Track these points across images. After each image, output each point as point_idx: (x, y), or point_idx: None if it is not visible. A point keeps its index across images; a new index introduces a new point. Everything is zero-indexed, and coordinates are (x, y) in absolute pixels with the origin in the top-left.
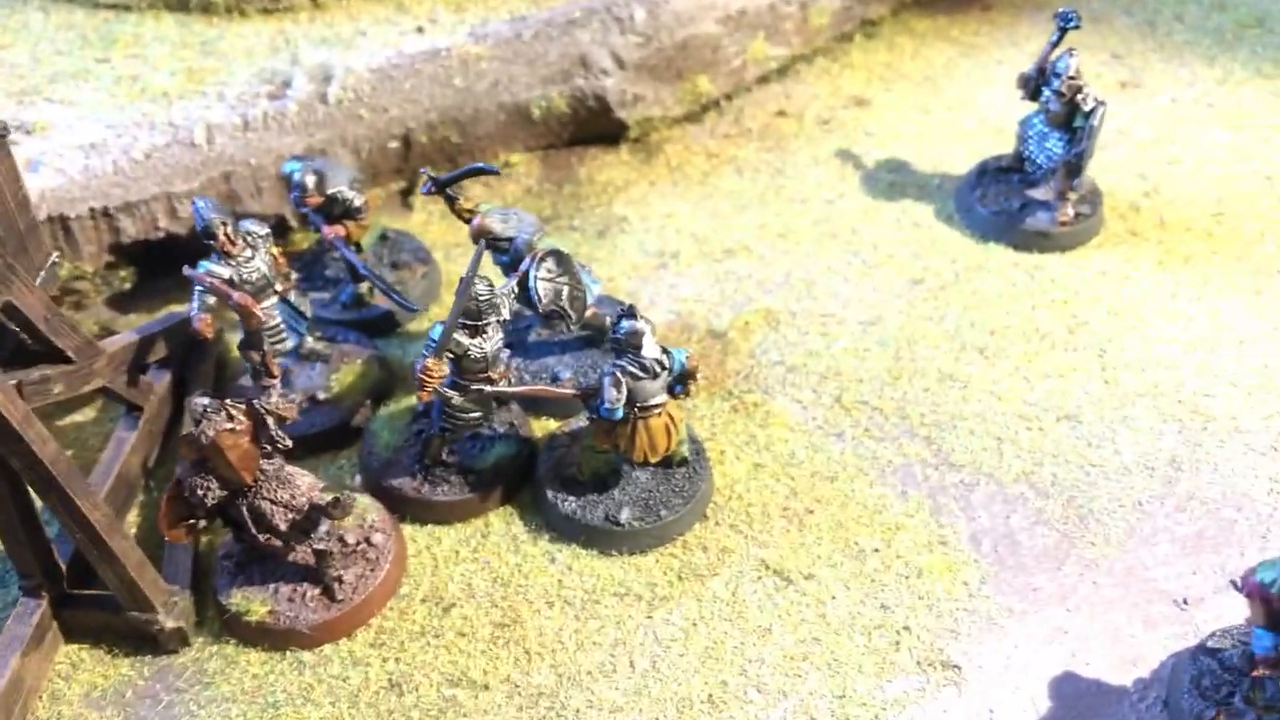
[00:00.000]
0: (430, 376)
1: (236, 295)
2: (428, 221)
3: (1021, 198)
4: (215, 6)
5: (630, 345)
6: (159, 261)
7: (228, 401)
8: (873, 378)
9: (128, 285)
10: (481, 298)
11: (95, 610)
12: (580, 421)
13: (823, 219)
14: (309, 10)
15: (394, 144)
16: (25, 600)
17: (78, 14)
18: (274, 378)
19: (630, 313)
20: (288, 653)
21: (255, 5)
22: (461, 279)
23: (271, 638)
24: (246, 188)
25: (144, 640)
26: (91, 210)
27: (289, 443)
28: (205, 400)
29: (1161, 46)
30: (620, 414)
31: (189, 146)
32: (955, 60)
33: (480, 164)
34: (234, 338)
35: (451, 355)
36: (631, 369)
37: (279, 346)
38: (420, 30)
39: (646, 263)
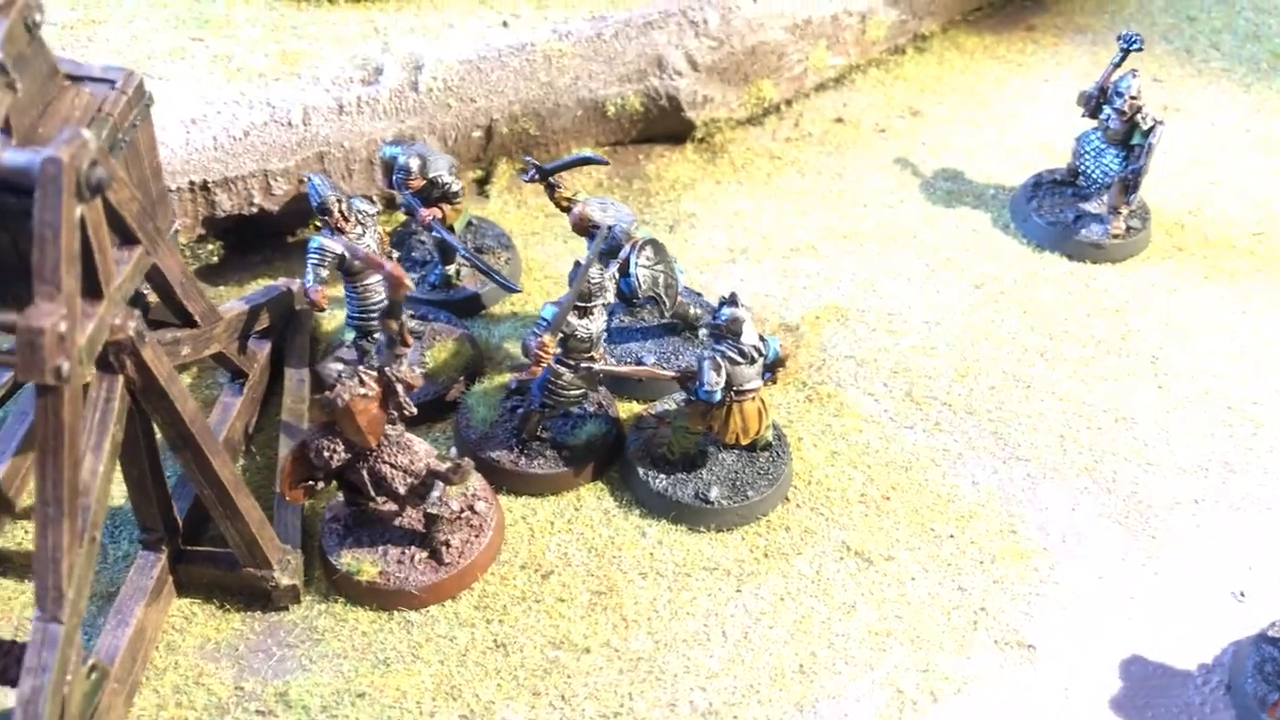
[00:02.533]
0: (545, 352)
1: (389, 265)
2: (504, 209)
3: (1075, 210)
4: None
5: (731, 331)
6: (246, 237)
7: (360, 367)
8: (940, 375)
9: (215, 259)
10: (593, 281)
11: (210, 566)
12: (664, 405)
13: (884, 222)
14: (396, 1)
15: (477, 133)
16: (144, 553)
17: None
18: (407, 347)
19: (732, 300)
20: (395, 613)
21: None
22: (578, 263)
23: (380, 597)
24: (338, 169)
25: (256, 596)
26: (190, 184)
27: (414, 410)
28: (340, 366)
29: (1199, 73)
30: (719, 397)
31: (286, 126)
32: (1003, 77)
33: (589, 154)
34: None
35: (560, 334)
36: (731, 354)
37: None
38: (505, 25)
39: (716, 257)
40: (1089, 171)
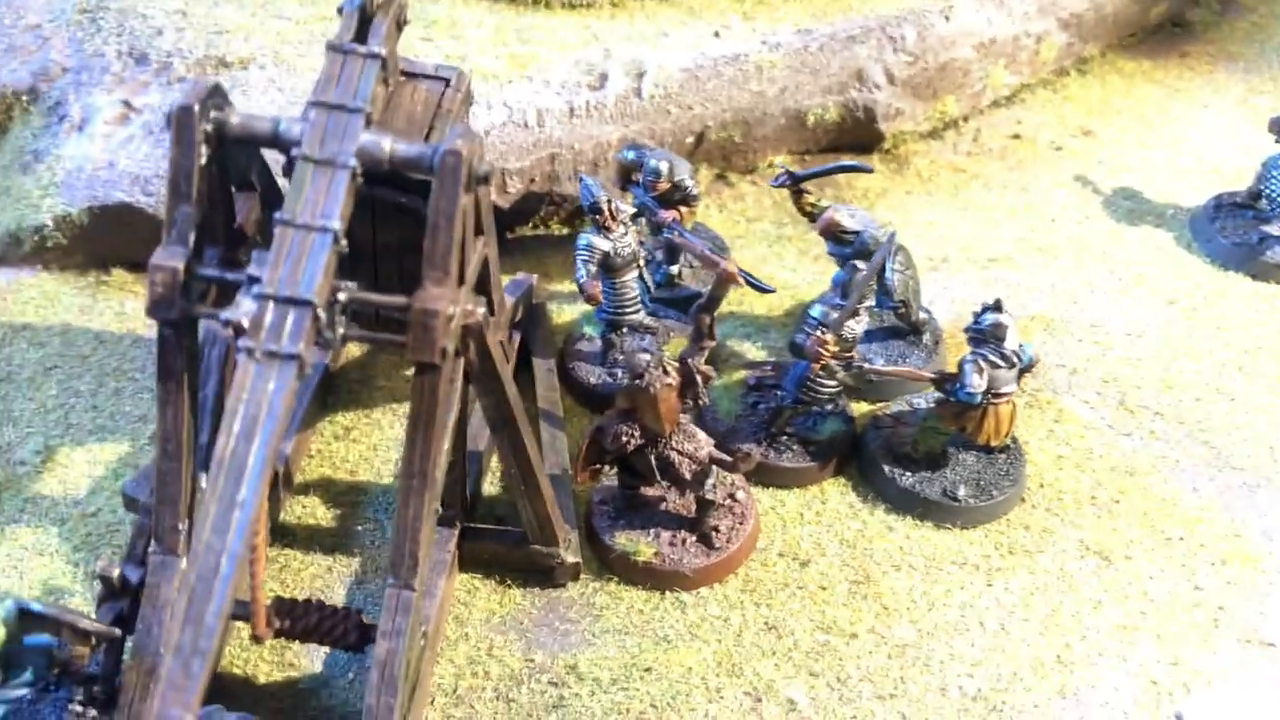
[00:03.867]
0: (827, 349)
1: (724, 262)
2: (705, 212)
3: (1259, 232)
4: None
5: (994, 336)
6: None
7: (664, 358)
8: (1148, 385)
9: None
10: (867, 285)
11: (494, 543)
12: (899, 405)
13: (1075, 237)
14: (609, 8)
15: (689, 139)
16: (440, 529)
17: None
18: (713, 340)
19: (996, 306)
20: (668, 593)
21: None
22: (860, 269)
23: (655, 578)
24: (566, 170)
25: (537, 573)
26: None
27: (709, 400)
28: (648, 356)
29: None
30: (979, 399)
31: (522, 127)
32: (1163, 102)
33: (852, 162)
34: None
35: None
36: (992, 358)
37: (633, 317)
38: (717, 35)
39: (919, 265)
40: (1274, 195)
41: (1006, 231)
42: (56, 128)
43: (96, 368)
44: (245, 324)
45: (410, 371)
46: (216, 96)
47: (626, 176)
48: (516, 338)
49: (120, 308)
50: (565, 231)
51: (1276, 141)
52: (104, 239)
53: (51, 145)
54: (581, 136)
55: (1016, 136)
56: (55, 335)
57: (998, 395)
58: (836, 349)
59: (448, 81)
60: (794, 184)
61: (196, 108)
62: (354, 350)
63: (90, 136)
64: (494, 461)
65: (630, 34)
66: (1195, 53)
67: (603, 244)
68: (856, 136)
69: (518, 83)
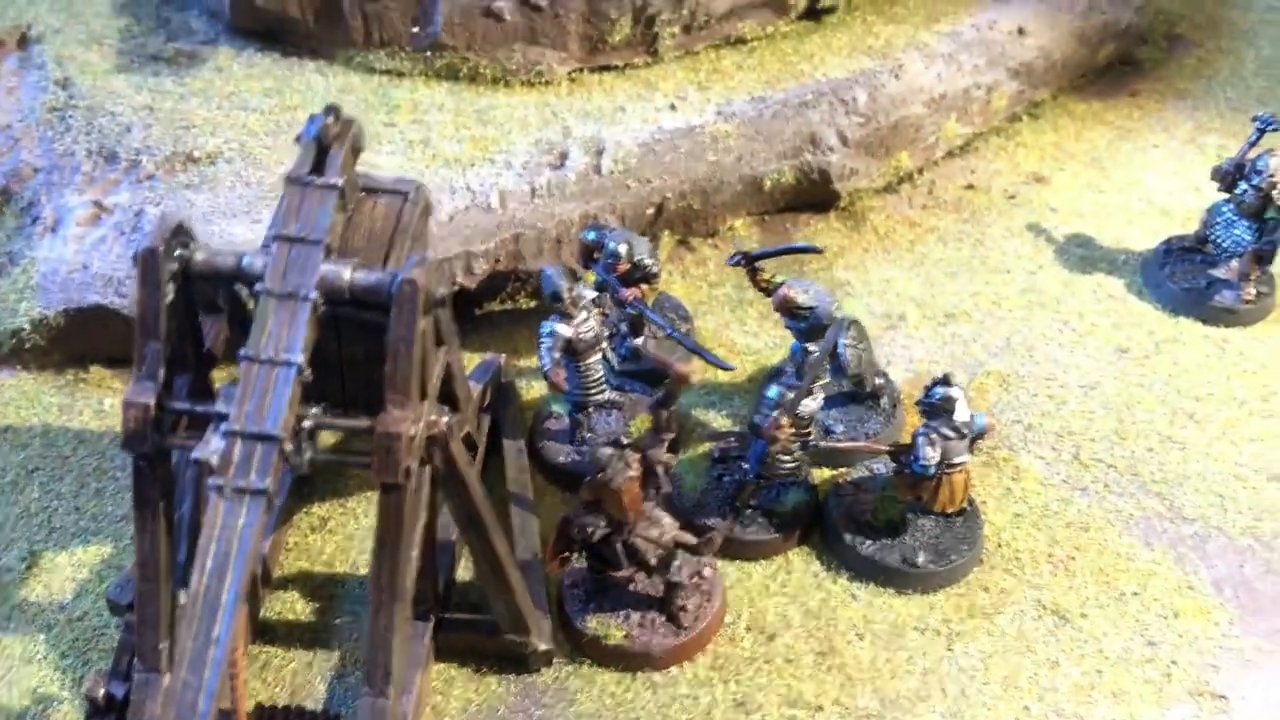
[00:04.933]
0: (781, 432)
1: (677, 364)
2: (669, 280)
3: (1207, 276)
4: (482, 76)
5: (944, 409)
6: None
7: (626, 452)
8: (1102, 437)
9: None
10: (820, 367)
11: (470, 632)
12: (859, 472)
13: (1028, 289)
14: (566, 84)
15: (649, 210)
16: (415, 623)
17: (354, 78)
18: (672, 432)
19: (945, 380)
20: (639, 674)
21: (519, 78)
22: (812, 352)
23: (626, 659)
24: (530, 249)
25: (511, 660)
26: None
27: (670, 488)
28: (610, 450)
29: None
30: (933, 471)
31: (485, 210)
32: (1115, 143)
33: (802, 244)
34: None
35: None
36: (944, 430)
37: (598, 398)
38: (673, 107)
39: (875, 324)
40: (1220, 241)
41: (962, 285)
42: (30, 230)
43: (78, 468)
44: (214, 462)
45: None
46: (181, 235)
47: (589, 255)
48: (486, 420)
49: (99, 405)
50: (533, 304)
51: (1219, 190)
52: (80, 339)
53: (25, 248)
54: (544, 215)
55: (970, 187)
56: (36, 436)
57: (951, 465)
58: (793, 429)
59: (406, 195)
60: (748, 264)
61: (161, 249)
62: (328, 439)
63: (64, 238)
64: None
65: (589, 109)
66: (1144, 90)
67: (565, 331)
68: (813, 197)
69: (480, 165)
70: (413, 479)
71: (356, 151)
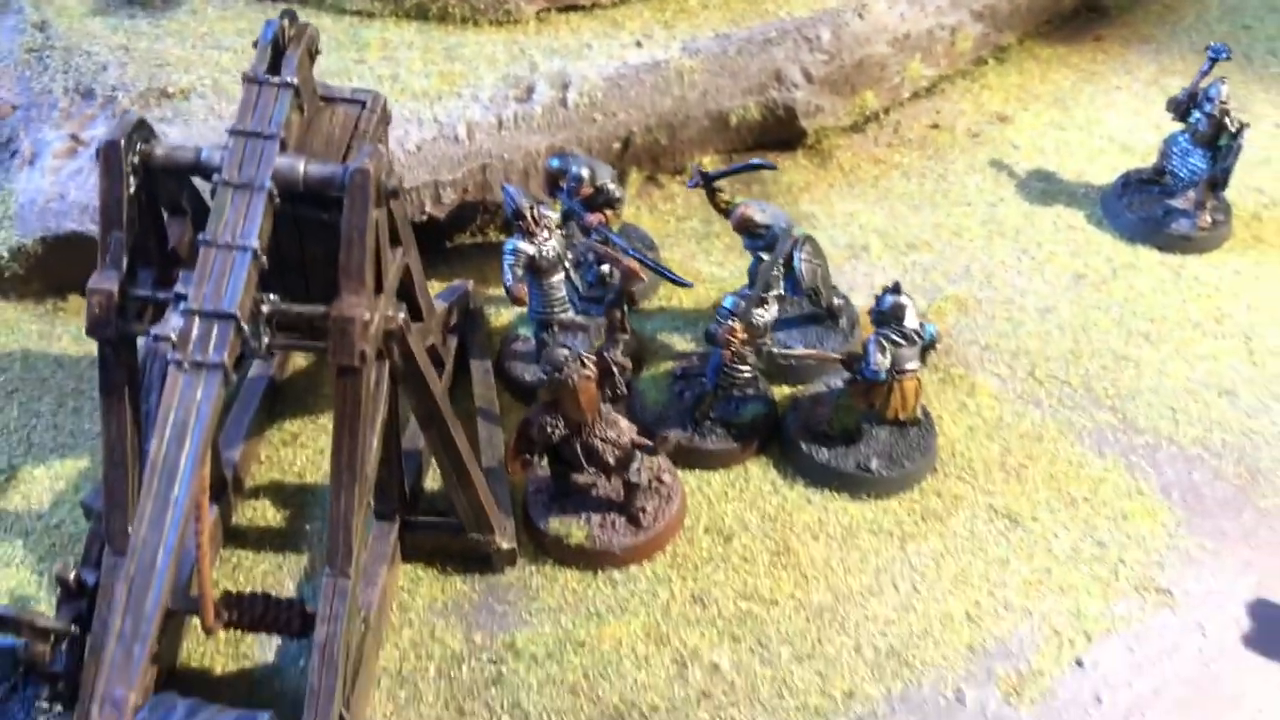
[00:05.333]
0: (735, 337)
1: (625, 260)
2: (637, 214)
3: (1164, 206)
4: (451, 15)
5: (894, 317)
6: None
7: (582, 353)
8: (1057, 356)
9: None
10: (773, 274)
11: (434, 534)
12: (816, 388)
13: (989, 220)
14: (534, 23)
15: (616, 144)
16: (379, 523)
17: (325, 19)
18: (626, 332)
19: (895, 289)
20: (600, 572)
21: (487, 17)
22: (765, 260)
23: (587, 558)
24: (497, 179)
25: (476, 560)
26: None
27: (626, 390)
28: (565, 351)
29: (1260, 78)
30: (883, 376)
31: (453, 141)
32: (1078, 85)
33: (757, 160)
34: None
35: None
36: (894, 337)
37: (562, 316)
38: (639, 44)
39: (838, 254)
40: (1177, 170)
41: (924, 218)
42: (9, 163)
43: (56, 389)
44: (174, 338)
45: None
46: (142, 130)
47: (554, 183)
48: (454, 342)
49: (77, 332)
50: (501, 238)
51: (1174, 119)
52: (58, 267)
53: (4, 180)
54: (511, 147)
55: (935, 126)
56: (15, 360)
57: (901, 371)
58: (746, 336)
59: (364, 104)
60: (707, 183)
61: (123, 142)
62: (299, 361)
63: (41, 170)
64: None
65: (555, 47)
66: (1109, 36)
67: (527, 248)
68: (779, 134)
69: (447, 98)
70: (369, 367)
71: (312, 55)
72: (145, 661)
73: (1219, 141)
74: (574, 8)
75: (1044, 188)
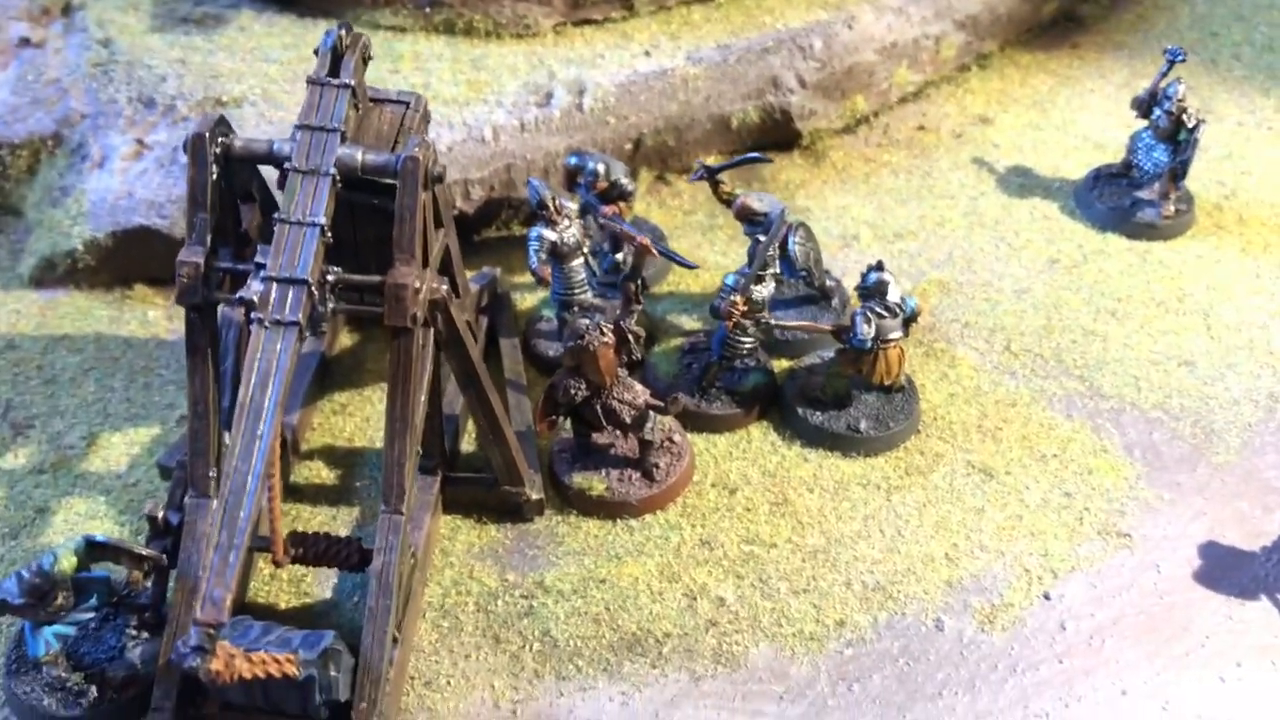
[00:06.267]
0: (736, 309)
1: (640, 236)
2: (647, 209)
3: (1131, 197)
4: (476, 30)
5: (878, 291)
6: None
7: (601, 323)
8: (1031, 332)
9: None
10: (769, 255)
11: (471, 487)
12: (811, 359)
13: (970, 212)
14: (552, 36)
15: (628, 145)
16: (424, 476)
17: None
18: (639, 304)
19: (879, 266)
20: (618, 521)
21: (509, 31)
22: (762, 242)
23: (607, 509)
24: (520, 176)
25: (508, 510)
26: None
27: (640, 356)
28: (587, 320)
29: (1224, 80)
30: (869, 345)
31: (480, 142)
32: (1055, 88)
33: (754, 154)
34: (519, 296)
35: (745, 296)
36: (878, 310)
37: (581, 297)
38: (648, 54)
39: (832, 244)
40: (1141, 164)
41: (910, 210)
42: (80, 166)
43: (127, 367)
44: (256, 300)
45: None
46: (222, 125)
47: (572, 179)
48: (484, 321)
49: (144, 317)
50: (524, 231)
51: (1136, 117)
52: (126, 259)
53: (77, 181)
54: (532, 148)
55: (921, 128)
56: (90, 342)
57: (885, 341)
58: (745, 309)
59: (408, 104)
60: (710, 176)
61: (207, 134)
62: (346, 340)
63: (110, 171)
64: (470, 425)
65: (571, 57)
66: (1085, 43)
67: (550, 235)
68: (777, 135)
69: (474, 104)
70: (418, 330)
71: (365, 60)
72: (239, 568)
73: (1178, 136)
74: (588, 21)
75: (1021, 182)
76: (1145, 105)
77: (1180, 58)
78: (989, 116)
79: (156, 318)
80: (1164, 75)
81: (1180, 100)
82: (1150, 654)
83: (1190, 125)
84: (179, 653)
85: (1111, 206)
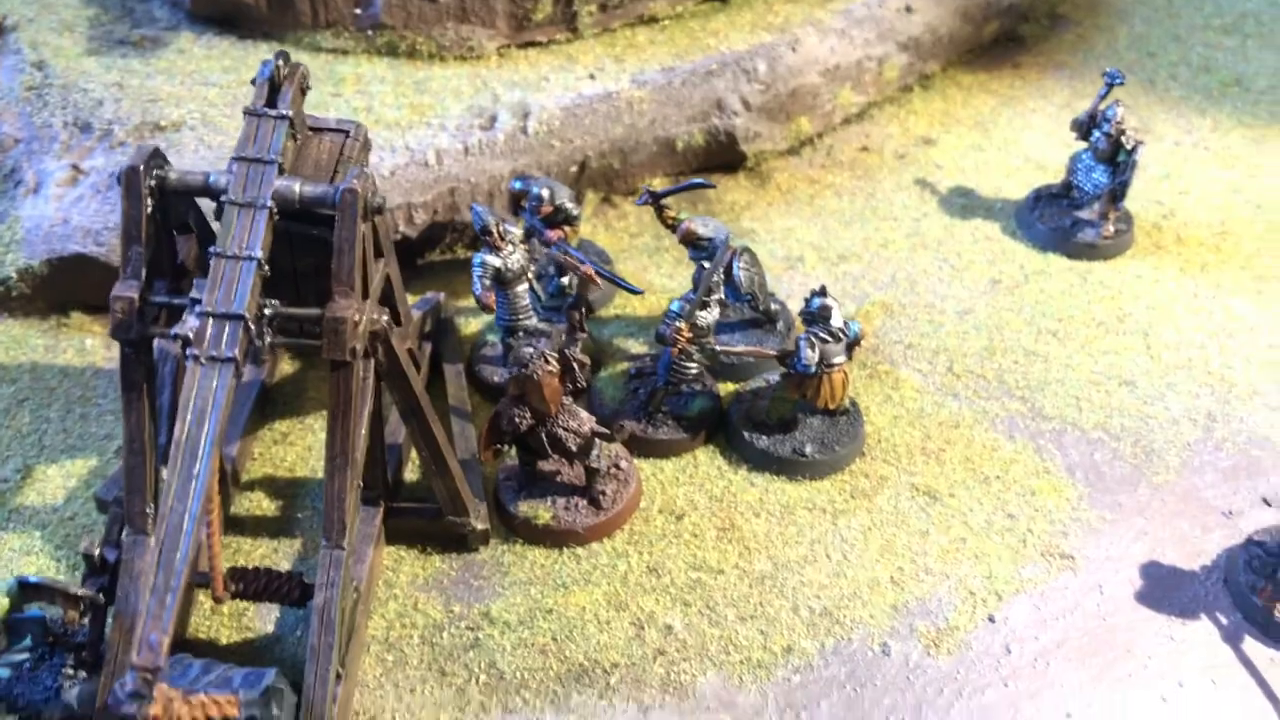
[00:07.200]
0: (681, 335)
1: (584, 266)
2: (594, 231)
3: (1071, 218)
4: (419, 52)
5: (821, 317)
6: None
7: (546, 351)
8: (974, 353)
9: None
10: (713, 280)
11: (415, 517)
12: (756, 383)
13: (913, 233)
14: (496, 59)
15: (573, 168)
16: (365, 507)
17: (303, 56)
18: (584, 332)
19: (823, 292)
20: (565, 549)
21: (452, 53)
22: (707, 268)
23: (553, 537)
24: (465, 201)
25: (453, 541)
26: None
27: (585, 384)
28: (531, 349)
29: (1162, 100)
30: (814, 369)
31: (423, 166)
32: (997, 109)
33: (698, 180)
34: (464, 320)
35: (689, 322)
36: (822, 335)
37: (525, 323)
38: (592, 77)
39: (777, 266)
40: (1081, 185)
41: (854, 232)
42: (14, 192)
43: (63, 397)
44: (191, 336)
45: None
46: (157, 158)
47: (517, 203)
48: (428, 348)
49: (81, 345)
50: (468, 255)
51: (1076, 139)
52: (62, 286)
53: (10, 208)
54: (476, 171)
55: (865, 149)
56: (25, 372)
57: (829, 365)
58: (690, 334)
59: (348, 133)
60: (655, 201)
61: (141, 167)
62: (287, 367)
63: (45, 198)
64: (413, 454)
65: (516, 79)
66: (1027, 63)
67: (494, 261)
68: (722, 158)
69: (418, 127)
70: (358, 362)
71: (304, 90)
72: (175, 611)
73: (1118, 157)
74: (532, 44)
75: (964, 203)
76: (1085, 127)
77: (1119, 80)
78: (932, 137)
79: (94, 346)
80: (1103, 98)
81: (1119, 122)
82: (1094, 676)
83: (1129, 147)
84: (116, 698)
85: (1052, 227)
